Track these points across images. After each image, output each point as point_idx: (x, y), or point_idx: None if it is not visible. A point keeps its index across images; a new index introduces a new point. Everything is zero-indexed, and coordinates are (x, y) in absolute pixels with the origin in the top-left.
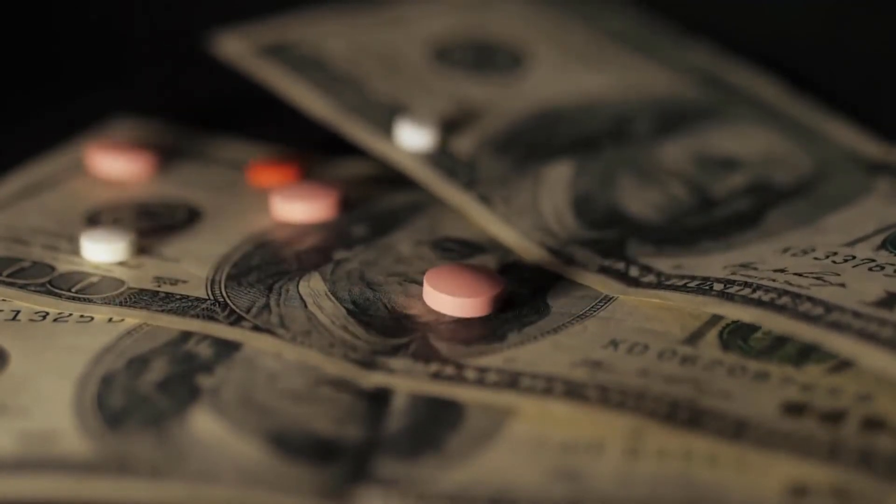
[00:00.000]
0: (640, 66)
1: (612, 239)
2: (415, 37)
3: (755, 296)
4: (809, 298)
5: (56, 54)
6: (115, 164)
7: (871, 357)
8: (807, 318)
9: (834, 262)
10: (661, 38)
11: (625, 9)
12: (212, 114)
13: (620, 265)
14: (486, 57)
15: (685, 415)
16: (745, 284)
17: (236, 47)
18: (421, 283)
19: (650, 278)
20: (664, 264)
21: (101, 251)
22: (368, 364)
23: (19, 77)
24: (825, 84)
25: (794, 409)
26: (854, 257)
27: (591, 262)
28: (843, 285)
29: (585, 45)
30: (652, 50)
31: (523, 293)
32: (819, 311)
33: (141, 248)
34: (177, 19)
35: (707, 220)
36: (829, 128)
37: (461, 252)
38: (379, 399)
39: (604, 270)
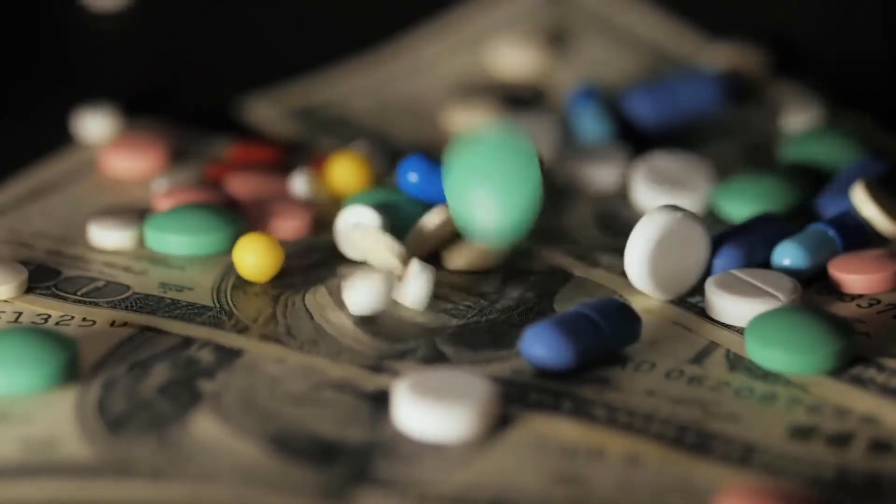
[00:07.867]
0: None
1: None
2: (436, 83)
3: None
4: None
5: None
6: (127, 161)
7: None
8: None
9: (859, 306)
10: None
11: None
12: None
13: None
14: (509, 92)
15: (692, 439)
16: None
17: (266, 113)
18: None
19: None
20: None
21: (111, 237)
22: (375, 368)
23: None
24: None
25: (802, 433)
26: (878, 301)
27: (615, 265)
28: (867, 335)
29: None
30: None
31: (530, 299)
32: None
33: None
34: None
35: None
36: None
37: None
38: (380, 401)
39: None
